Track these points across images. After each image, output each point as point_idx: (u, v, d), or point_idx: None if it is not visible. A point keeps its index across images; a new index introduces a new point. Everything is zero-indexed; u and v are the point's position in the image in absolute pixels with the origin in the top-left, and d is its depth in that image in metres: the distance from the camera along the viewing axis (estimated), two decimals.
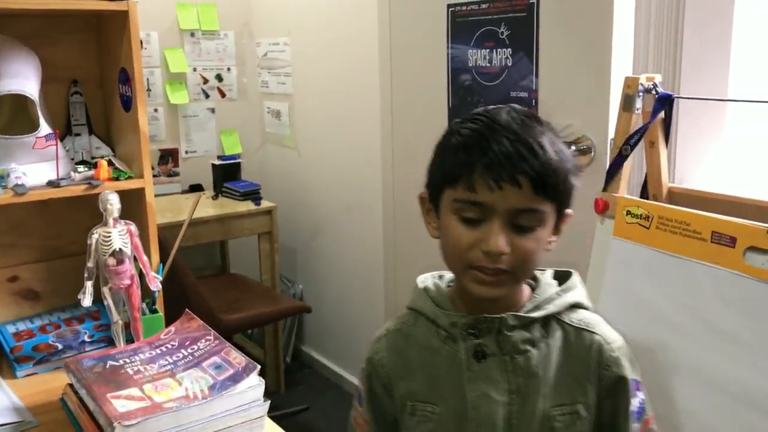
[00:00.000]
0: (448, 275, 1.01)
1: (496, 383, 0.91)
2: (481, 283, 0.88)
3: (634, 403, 0.94)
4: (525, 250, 0.87)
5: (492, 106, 0.93)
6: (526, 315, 0.92)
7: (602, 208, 1.40)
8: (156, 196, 1.65)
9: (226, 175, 3.55)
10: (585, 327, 0.95)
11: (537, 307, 0.93)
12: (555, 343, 0.93)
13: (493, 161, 0.84)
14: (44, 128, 1.50)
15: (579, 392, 0.93)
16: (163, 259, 1.64)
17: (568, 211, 0.92)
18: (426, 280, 1.01)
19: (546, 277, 0.98)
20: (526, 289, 0.97)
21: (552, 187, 0.86)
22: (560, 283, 0.98)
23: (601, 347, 0.94)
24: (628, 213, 1.34)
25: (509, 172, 0.84)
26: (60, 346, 1.54)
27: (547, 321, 0.93)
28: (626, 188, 1.46)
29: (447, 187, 0.89)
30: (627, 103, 1.40)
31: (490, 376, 0.91)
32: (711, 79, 1.67)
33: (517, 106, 0.93)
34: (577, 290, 0.97)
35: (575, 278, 0.99)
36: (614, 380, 0.94)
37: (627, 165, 1.42)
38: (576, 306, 0.96)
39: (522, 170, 0.84)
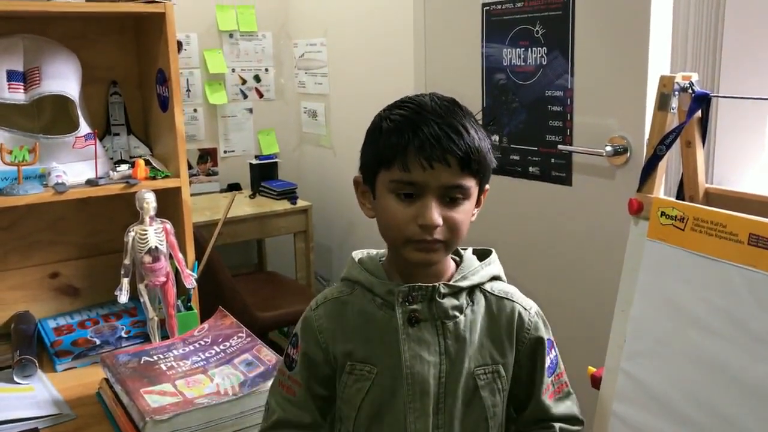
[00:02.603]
0: (379, 251, 1.10)
1: (428, 345, 1.00)
2: (420, 251, 0.97)
3: (549, 360, 1.09)
4: (455, 221, 0.97)
5: (415, 94, 1.02)
6: (455, 284, 1.02)
7: (636, 209, 1.37)
8: (195, 194, 1.68)
9: (263, 174, 3.59)
10: (505, 296, 1.07)
11: (464, 278, 1.04)
12: (479, 309, 1.04)
13: (425, 143, 0.93)
14: (84, 128, 1.54)
15: (499, 354, 1.05)
16: (199, 257, 1.66)
17: (487, 186, 1.04)
18: (360, 254, 1.10)
19: (468, 253, 1.09)
20: (451, 264, 1.07)
21: (476, 164, 0.96)
22: (480, 260, 1.09)
23: (521, 313, 1.06)
24: (663, 214, 1.32)
25: (439, 152, 0.93)
26: (98, 342, 1.57)
27: (472, 290, 1.04)
28: (662, 189, 1.44)
29: (382, 168, 0.98)
30: (662, 102, 1.37)
31: (422, 339, 1.00)
32: (752, 78, 1.63)
33: (439, 93, 1.02)
34: (496, 264, 1.09)
35: (494, 255, 1.10)
36: (534, 342, 1.07)
37: (662, 165, 1.39)
38: (495, 278, 1.08)
39: (450, 150, 0.93)
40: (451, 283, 1.02)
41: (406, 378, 1.00)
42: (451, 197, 0.96)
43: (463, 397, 1.02)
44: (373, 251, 1.11)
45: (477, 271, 1.05)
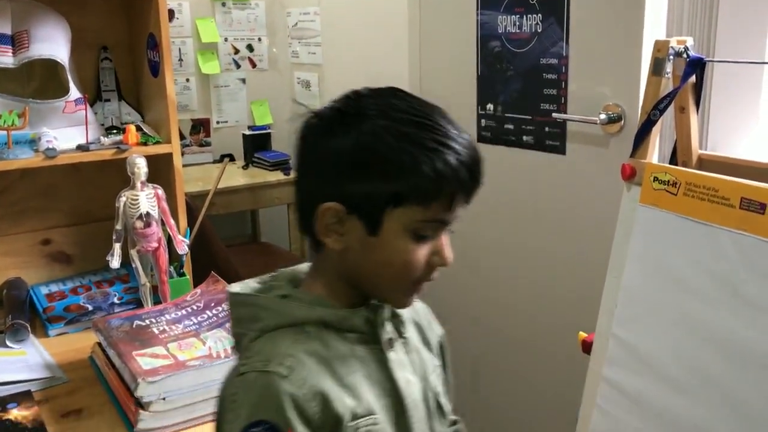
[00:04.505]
0: (263, 278, 0.95)
1: (405, 366, 0.90)
2: (415, 294, 0.87)
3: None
4: None
5: (407, 102, 0.83)
6: None
7: (629, 175, 1.37)
8: (188, 165, 1.67)
9: (257, 145, 3.57)
10: None
11: None
12: (407, 315, 0.94)
13: (474, 181, 0.82)
14: (74, 93, 1.52)
15: (434, 352, 0.98)
16: (191, 225, 1.66)
17: None
18: (253, 287, 0.93)
19: None
20: None
21: None
22: None
23: (428, 310, 1.00)
24: (655, 179, 1.32)
25: (477, 189, 0.83)
26: (90, 308, 1.57)
27: None
28: (655, 155, 1.44)
29: (403, 205, 0.80)
30: (656, 67, 1.36)
31: (401, 361, 0.89)
32: (748, 43, 1.62)
33: (422, 101, 0.85)
34: None
35: None
36: (441, 335, 1.00)
37: (655, 130, 1.39)
38: None
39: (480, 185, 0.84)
40: None
41: (408, 410, 0.87)
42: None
43: (436, 410, 0.94)
44: (253, 283, 0.94)
45: None
